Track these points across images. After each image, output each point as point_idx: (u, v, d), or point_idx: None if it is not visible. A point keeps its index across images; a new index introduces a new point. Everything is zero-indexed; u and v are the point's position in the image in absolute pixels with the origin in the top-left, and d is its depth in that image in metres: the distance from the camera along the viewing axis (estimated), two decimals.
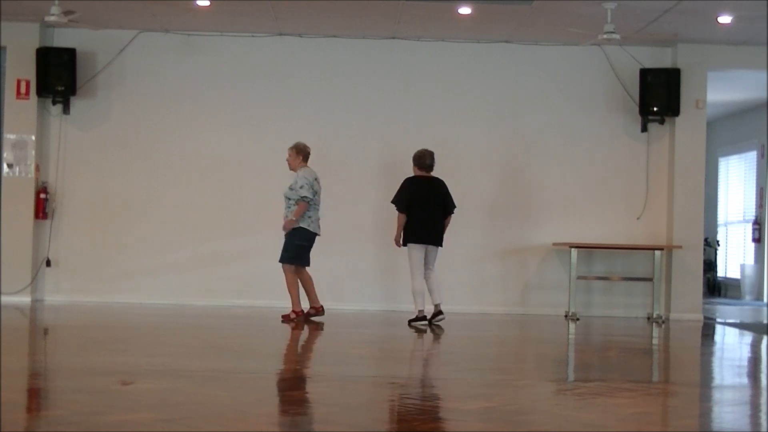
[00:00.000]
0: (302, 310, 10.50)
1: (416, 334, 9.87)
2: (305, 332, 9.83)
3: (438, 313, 10.53)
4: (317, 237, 10.54)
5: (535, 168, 12.39)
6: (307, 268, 10.54)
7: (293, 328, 9.97)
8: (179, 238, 12.25)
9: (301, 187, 10.31)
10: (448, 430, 5.14)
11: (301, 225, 10.37)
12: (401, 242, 10.52)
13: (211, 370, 6.95)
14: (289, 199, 10.38)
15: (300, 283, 10.53)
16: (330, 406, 5.77)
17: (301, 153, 10.55)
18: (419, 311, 10.48)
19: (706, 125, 12.39)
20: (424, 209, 10.46)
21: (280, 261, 10.45)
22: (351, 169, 12.23)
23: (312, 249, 10.53)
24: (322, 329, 10.03)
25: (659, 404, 6.33)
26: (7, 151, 11.98)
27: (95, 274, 12.16)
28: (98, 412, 5.27)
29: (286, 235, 10.44)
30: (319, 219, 10.55)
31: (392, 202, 10.60)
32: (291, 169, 10.58)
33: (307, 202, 10.31)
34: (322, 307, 10.62)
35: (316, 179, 10.50)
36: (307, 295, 10.59)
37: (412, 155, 10.72)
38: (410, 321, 10.52)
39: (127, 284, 12.13)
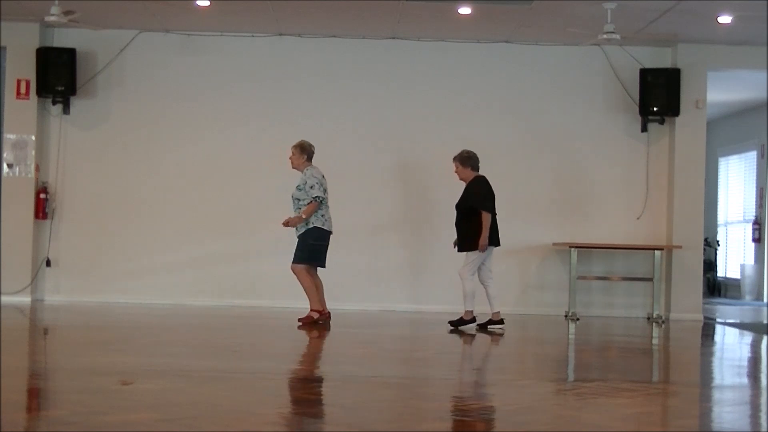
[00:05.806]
0: (324, 310, 10.19)
1: (416, 334, 9.85)
2: (304, 332, 9.82)
3: (501, 320, 10.35)
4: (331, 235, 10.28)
5: (535, 168, 12.38)
6: (320, 269, 10.22)
7: (309, 332, 9.71)
8: (179, 238, 12.25)
9: (312, 188, 10.05)
10: (448, 430, 5.14)
11: (315, 224, 10.08)
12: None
13: (211, 370, 6.95)
14: (299, 200, 10.12)
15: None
16: (330, 406, 5.76)
17: (305, 152, 10.28)
18: (470, 312, 10.25)
19: (706, 125, 12.39)
20: (495, 211, 10.28)
21: (293, 262, 10.14)
22: (350, 169, 12.21)
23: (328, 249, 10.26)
24: (328, 330, 9.96)
25: (659, 404, 6.33)
26: (7, 151, 11.99)
27: (95, 274, 12.16)
28: (98, 412, 5.27)
29: (299, 236, 10.16)
30: (330, 217, 10.27)
31: (482, 204, 10.06)
32: (294, 167, 10.33)
33: (319, 201, 10.06)
34: (329, 312, 10.33)
35: (323, 176, 10.25)
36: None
37: (465, 156, 10.29)
38: (457, 324, 10.24)
39: (127, 284, 12.13)
